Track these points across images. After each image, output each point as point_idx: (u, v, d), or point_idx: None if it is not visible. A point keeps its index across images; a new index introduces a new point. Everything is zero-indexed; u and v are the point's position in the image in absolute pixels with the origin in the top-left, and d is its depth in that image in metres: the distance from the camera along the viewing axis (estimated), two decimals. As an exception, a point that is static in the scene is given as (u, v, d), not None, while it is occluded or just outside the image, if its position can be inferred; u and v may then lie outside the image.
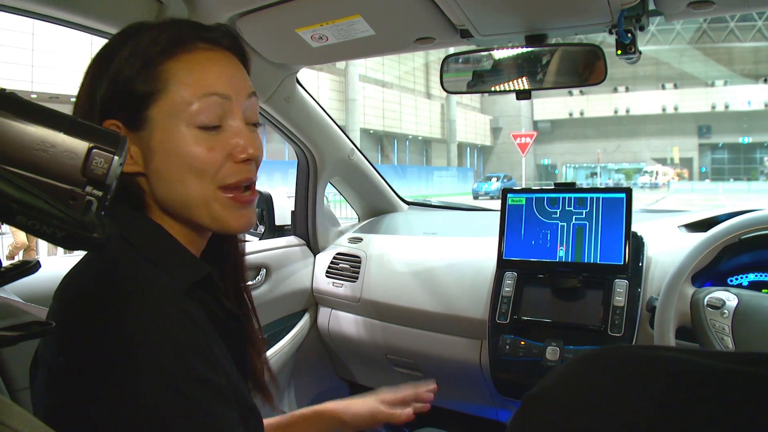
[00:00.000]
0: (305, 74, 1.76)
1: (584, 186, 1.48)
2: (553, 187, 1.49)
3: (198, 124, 0.68)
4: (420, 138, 32.91)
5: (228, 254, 0.84)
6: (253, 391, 0.85)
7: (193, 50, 0.70)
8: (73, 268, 0.67)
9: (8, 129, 0.40)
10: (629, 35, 1.13)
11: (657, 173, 35.88)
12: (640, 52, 1.17)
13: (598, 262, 1.39)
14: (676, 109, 37.64)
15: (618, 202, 1.40)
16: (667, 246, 1.41)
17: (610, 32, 1.16)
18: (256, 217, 0.78)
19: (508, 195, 1.53)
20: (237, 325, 0.75)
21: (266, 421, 0.98)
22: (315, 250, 2.01)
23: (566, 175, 39.70)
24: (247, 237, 1.62)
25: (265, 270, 1.81)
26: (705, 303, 1.12)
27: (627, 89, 38.59)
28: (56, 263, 1.35)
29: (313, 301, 1.99)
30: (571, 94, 37.86)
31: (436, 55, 26.57)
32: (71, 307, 0.62)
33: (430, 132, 33.17)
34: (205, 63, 0.70)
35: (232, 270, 0.84)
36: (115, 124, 0.69)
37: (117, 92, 0.68)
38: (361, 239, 1.97)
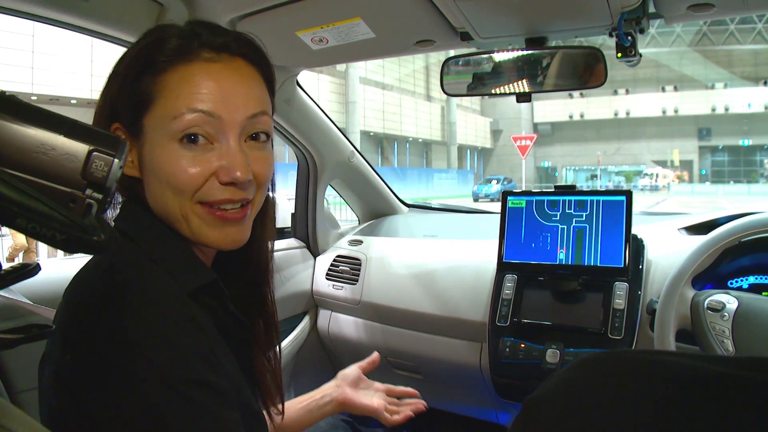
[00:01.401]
0: (305, 76, 1.75)
1: (584, 188, 1.47)
2: (553, 190, 1.49)
3: (180, 140, 0.66)
4: (420, 140, 32.92)
5: (252, 257, 0.81)
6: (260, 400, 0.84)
7: (193, 61, 0.67)
8: (83, 268, 0.68)
9: (8, 131, 0.40)
10: (629, 38, 1.13)
11: (657, 176, 35.86)
12: (640, 55, 1.17)
13: (599, 264, 1.38)
14: (676, 111, 37.67)
15: (618, 205, 1.40)
16: (668, 249, 1.41)
17: (610, 35, 1.16)
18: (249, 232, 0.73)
19: (508, 197, 1.53)
20: (243, 330, 0.75)
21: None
22: (315, 252, 2.01)
23: (566, 177, 39.71)
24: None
25: None
26: (705, 306, 1.12)
27: (627, 92, 38.61)
28: (58, 265, 1.35)
29: (313, 303, 1.99)
30: (571, 96, 37.87)
31: (437, 57, 26.61)
32: (77, 307, 0.63)
33: (430, 134, 33.18)
34: (200, 77, 0.67)
35: (253, 274, 0.83)
36: (118, 128, 0.70)
37: (122, 93, 0.69)
38: (361, 242, 1.97)
